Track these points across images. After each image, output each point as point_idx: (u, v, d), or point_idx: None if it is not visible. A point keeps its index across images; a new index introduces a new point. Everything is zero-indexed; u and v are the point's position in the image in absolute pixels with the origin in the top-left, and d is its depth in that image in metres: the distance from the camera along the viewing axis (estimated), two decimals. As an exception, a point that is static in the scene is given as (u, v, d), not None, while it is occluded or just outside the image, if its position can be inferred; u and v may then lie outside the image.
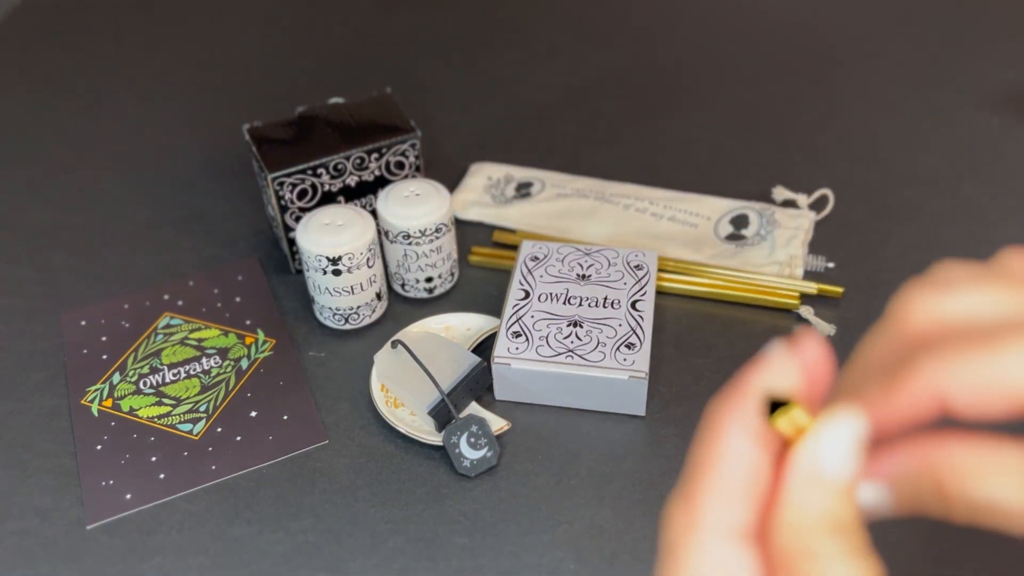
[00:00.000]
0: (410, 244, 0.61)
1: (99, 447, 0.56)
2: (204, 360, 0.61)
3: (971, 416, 0.25)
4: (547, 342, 0.56)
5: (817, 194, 0.70)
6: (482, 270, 0.67)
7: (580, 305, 0.58)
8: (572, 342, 0.56)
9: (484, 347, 0.60)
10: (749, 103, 0.83)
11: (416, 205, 0.61)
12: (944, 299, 0.27)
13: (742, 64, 0.89)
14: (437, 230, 0.61)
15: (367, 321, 0.62)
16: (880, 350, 0.28)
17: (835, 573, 0.23)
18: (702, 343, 0.61)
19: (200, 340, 0.63)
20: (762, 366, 0.25)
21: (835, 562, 0.24)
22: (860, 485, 0.26)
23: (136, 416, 0.58)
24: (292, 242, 0.66)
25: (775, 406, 0.25)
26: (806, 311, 0.61)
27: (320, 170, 0.63)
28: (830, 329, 0.60)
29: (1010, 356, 0.24)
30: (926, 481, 0.26)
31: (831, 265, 0.65)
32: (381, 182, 0.65)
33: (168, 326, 0.64)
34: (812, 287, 0.62)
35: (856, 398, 0.26)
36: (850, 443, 0.24)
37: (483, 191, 0.73)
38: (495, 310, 0.62)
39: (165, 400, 0.59)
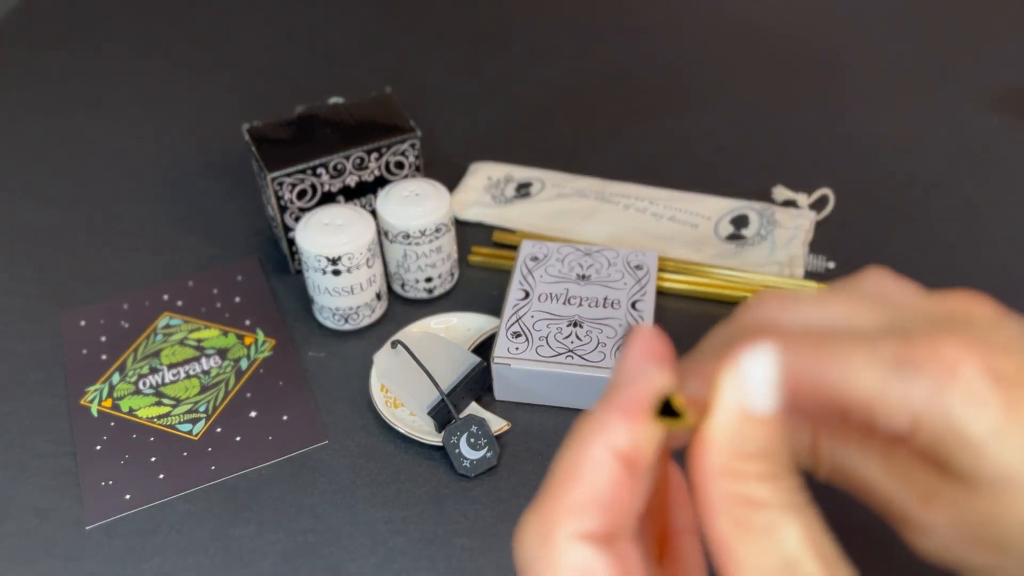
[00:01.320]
0: (410, 244, 0.61)
1: (98, 447, 0.56)
2: (204, 360, 0.61)
3: (787, 408, 0.26)
4: (547, 342, 0.56)
5: (817, 194, 0.70)
6: (482, 270, 0.67)
7: (580, 305, 0.58)
8: (572, 342, 0.56)
9: (484, 347, 0.60)
10: (749, 103, 0.83)
11: (416, 205, 0.60)
12: (784, 308, 0.29)
13: (742, 64, 0.89)
14: (437, 230, 0.61)
15: (367, 321, 0.62)
16: (716, 339, 0.30)
17: (773, 521, 0.23)
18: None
19: (199, 340, 0.63)
20: (627, 373, 0.26)
21: (775, 510, 0.23)
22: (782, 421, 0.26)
23: (135, 416, 0.58)
24: (292, 242, 0.65)
25: (667, 408, 0.25)
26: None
27: (320, 170, 0.63)
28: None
29: (831, 369, 0.26)
30: (804, 437, 0.28)
31: (832, 265, 0.65)
32: (381, 182, 0.65)
33: (168, 326, 0.64)
34: (813, 288, 0.62)
35: (696, 371, 0.27)
36: (771, 375, 0.25)
37: (483, 191, 0.73)
38: (495, 310, 0.62)
39: (164, 400, 0.59)
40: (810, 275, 0.65)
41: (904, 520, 0.28)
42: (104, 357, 0.62)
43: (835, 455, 0.29)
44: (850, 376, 0.25)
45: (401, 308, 0.64)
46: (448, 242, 0.62)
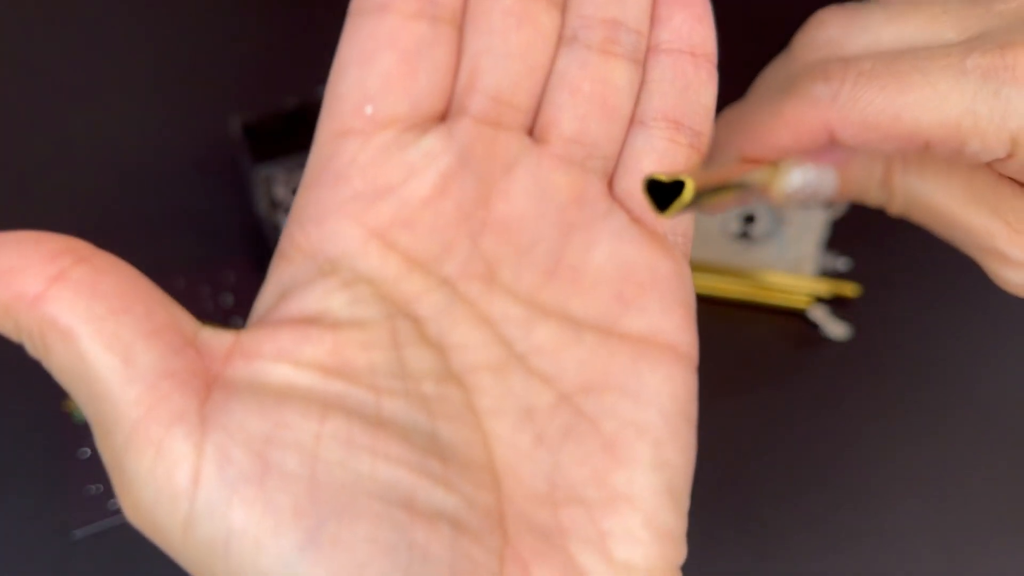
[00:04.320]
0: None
1: (87, 451, 0.54)
2: (194, 361, 0.60)
3: (857, 147, 0.24)
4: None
5: (827, 190, 0.68)
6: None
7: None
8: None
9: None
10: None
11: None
12: (851, 29, 0.25)
13: (749, 56, 0.87)
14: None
15: (363, 321, 0.61)
16: (773, 81, 0.27)
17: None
18: (706, 346, 0.59)
19: (190, 341, 0.61)
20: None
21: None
22: (808, 168, 0.25)
23: (123, 420, 0.56)
24: (285, 239, 0.64)
25: (661, 191, 0.22)
26: (818, 312, 0.60)
27: (314, 165, 0.61)
28: (845, 332, 0.59)
29: (910, 97, 0.22)
30: (876, 169, 0.26)
31: (843, 265, 0.63)
32: (377, 177, 0.64)
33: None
34: (825, 287, 0.61)
35: (747, 119, 0.25)
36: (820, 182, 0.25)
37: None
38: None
39: (153, 404, 0.57)
40: (823, 274, 0.63)
41: (989, 251, 0.25)
42: (91, 358, 0.60)
43: (910, 187, 0.26)
44: (934, 104, 0.22)
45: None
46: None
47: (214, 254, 0.68)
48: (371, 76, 0.24)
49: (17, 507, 0.52)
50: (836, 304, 0.61)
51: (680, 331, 0.25)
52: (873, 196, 0.27)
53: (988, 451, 0.53)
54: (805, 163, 0.25)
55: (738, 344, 0.59)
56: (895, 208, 0.27)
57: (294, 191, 0.61)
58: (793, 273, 0.62)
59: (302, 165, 0.60)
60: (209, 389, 0.20)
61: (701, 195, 0.23)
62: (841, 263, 0.63)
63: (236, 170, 0.75)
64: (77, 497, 0.52)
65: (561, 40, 0.25)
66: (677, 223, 0.25)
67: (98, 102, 0.85)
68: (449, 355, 0.22)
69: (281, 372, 0.20)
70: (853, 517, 0.51)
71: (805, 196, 0.26)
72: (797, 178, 0.25)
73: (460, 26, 0.24)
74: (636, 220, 0.24)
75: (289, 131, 0.63)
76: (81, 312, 0.20)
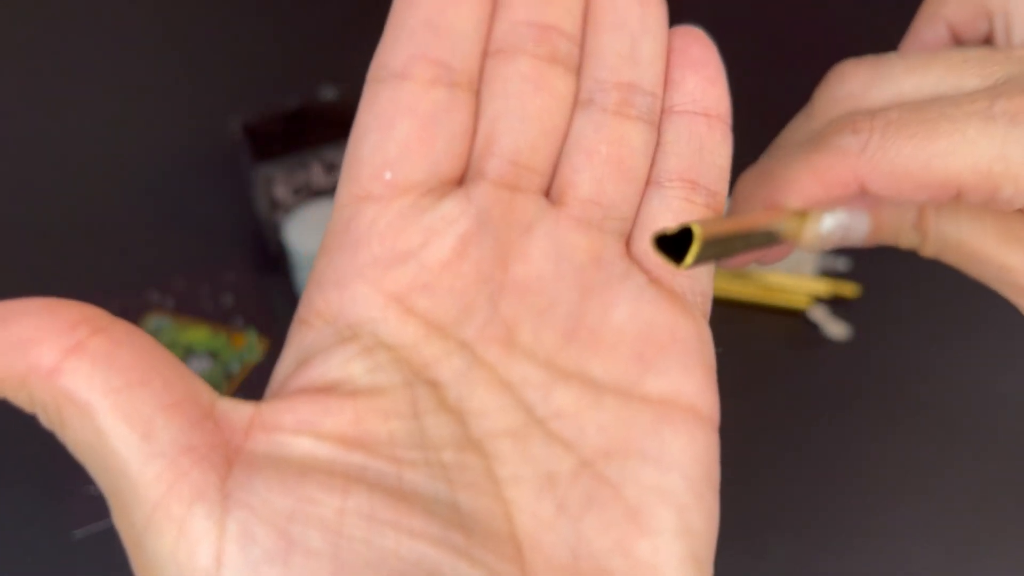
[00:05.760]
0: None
1: (85, 453, 0.54)
2: (194, 361, 0.60)
3: (888, 198, 0.24)
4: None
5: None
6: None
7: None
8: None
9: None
10: (756, 95, 0.82)
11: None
12: (873, 82, 0.25)
13: (747, 58, 0.87)
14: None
15: (363, 321, 0.60)
16: (795, 136, 0.27)
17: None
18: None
19: (190, 342, 0.61)
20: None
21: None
22: (840, 212, 0.25)
23: (123, 421, 0.56)
24: (283, 240, 0.64)
25: (672, 243, 0.22)
26: (818, 313, 0.60)
27: (313, 164, 0.61)
28: (845, 333, 0.59)
29: (940, 145, 0.22)
30: (909, 213, 0.26)
31: (843, 265, 0.63)
32: (377, 177, 0.64)
33: (156, 327, 0.62)
34: (825, 287, 0.61)
35: (774, 173, 0.25)
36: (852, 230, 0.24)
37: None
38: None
39: (153, 404, 0.57)
40: (823, 274, 0.63)
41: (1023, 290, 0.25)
42: (90, 359, 0.60)
43: (944, 230, 0.26)
44: (965, 151, 0.22)
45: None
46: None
47: (214, 254, 0.68)
48: (390, 142, 0.24)
49: (17, 507, 0.52)
50: (836, 304, 0.61)
51: (702, 392, 0.24)
52: (905, 239, 0.27)
53: (987, 451, 0.53)
54: (837, 208, 0.25)
55: (738, 344, 0.59)
56: (928, 251, 0.27)
57: (294, 191, 0.61)
58: (793, 273, 0.62)
59: (302, 165, 0.60)
60: (230, 464, 0.19)
61: (719, 242, 0.22)
62: (841, 263, 0.63)
63: (236, 170, 0.75)
64: (77, 497, 0.52)
65: (577, 103, 0.25)
66: (695, 282, 0.25)
67: (98, 103, 0.85)
68: (468, 421, 0.22)
69: (302, 445, 0.20)
70: (853, 516, 0.51)
71: (836, 241, 0.25)
72: (829, 222, 0.25)
73: (477, 91, 0.25)
74: (654, 281, 0.24)
75: (289, 131, 0.63)
76: (99, 385, 0.19)
